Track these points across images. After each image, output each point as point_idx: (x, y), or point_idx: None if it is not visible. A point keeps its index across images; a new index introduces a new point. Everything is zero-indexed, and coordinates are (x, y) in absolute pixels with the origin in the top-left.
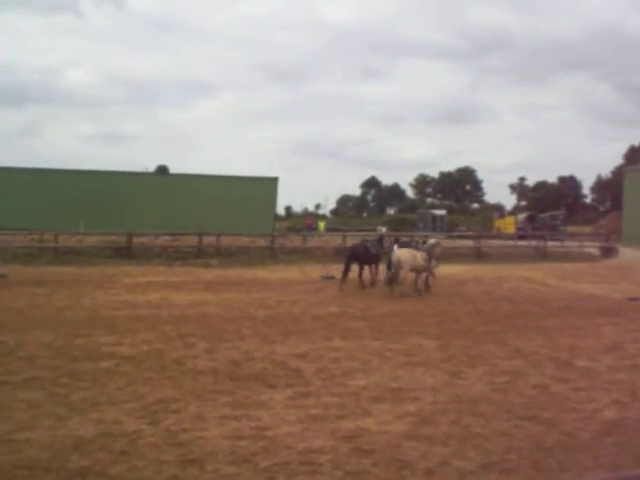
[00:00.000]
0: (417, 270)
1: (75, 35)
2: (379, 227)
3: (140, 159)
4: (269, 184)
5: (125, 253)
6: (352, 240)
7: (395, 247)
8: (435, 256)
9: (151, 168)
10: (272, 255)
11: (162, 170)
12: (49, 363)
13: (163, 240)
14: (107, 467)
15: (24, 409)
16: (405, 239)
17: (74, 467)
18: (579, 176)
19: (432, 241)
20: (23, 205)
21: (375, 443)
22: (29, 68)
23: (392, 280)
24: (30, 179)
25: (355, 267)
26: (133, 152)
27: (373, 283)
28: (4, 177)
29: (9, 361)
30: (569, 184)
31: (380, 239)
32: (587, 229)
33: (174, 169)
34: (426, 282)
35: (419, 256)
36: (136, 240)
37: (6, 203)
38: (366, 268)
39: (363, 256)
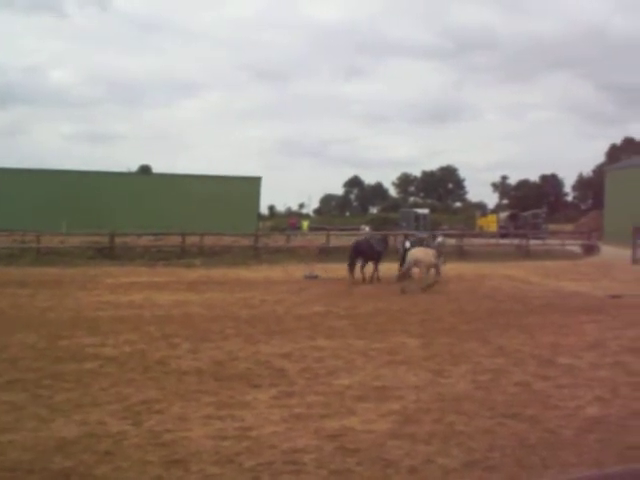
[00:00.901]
0: (428, 267)
1: (59, 35)
2: (362, 226)
3: (125, 159)
4: (252, 183)
5: (108, 254)
6: (336, 239)
7: (407, 244)
8: (443, 253)
9: (134, 168)
10: (256, 255)
11: (145, 170)
12: (32, 365)
13: (146, 240)
14: (91, 468)
15: (7, 411)
16: (418, 237)
17: (57, 468)
18: (562, 175)
19: (440, 239)
20: (5, 205)
21: (359, 442)
22: (14, 67)
23: (404, 276)
24: (12, 179)
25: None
26: (118, 152)
27: (378, 279)
28: None
29: None
30: (551, 182)
31: (385, 237)
32: (569, 227)
33: (159, 169)
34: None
35: (431, 254)
36: (119, 240)
37: None
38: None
39: (367, 252)
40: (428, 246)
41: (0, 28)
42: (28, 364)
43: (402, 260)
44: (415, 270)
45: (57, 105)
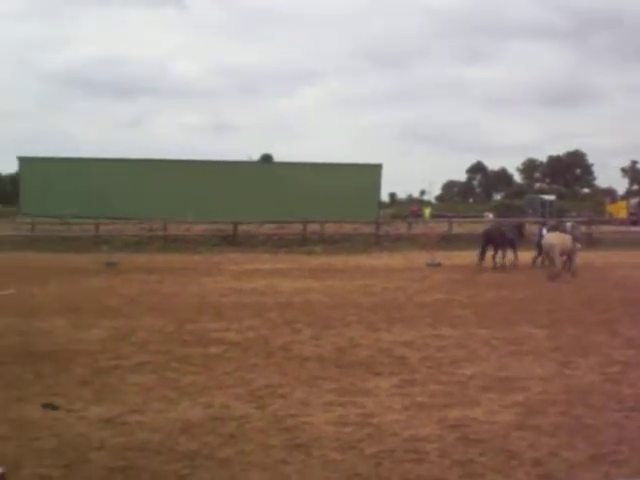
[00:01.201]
0: (564, 253)
1: (180, 27)
2: (486, 213)
3: (247, 148)
4: (373, 171)
5: (231, 241)
6: (458, 227)
7: (544, 231)
8: (579, 239)
9: (256, 157)
10: (376, 242)
11: (266, 159)
12: (160, 348)
13: (268, 228)
14: (215, 450)
15: (136, 392)
16: (553, 223)
17: (183, 450)
18: None
19: (569, 224)
20: (133, 195)
21: (482, 432)
22: (137, 60)
23: (551, 266)
24: (138, 170)
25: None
26: (239, 141)
27: (515, 266)
28: (115, 168)
29: (122, 346)
30: None
31: (520, 225)
32: None
33: (280, 157)
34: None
35: (567, 239)
36: (241, 228)
37: (117, 193)
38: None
39: (498, 240)
40: (564, 232)
41: (124, 22)
42: (156, 347)
43: (539, 248)
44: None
45: (179, 96)
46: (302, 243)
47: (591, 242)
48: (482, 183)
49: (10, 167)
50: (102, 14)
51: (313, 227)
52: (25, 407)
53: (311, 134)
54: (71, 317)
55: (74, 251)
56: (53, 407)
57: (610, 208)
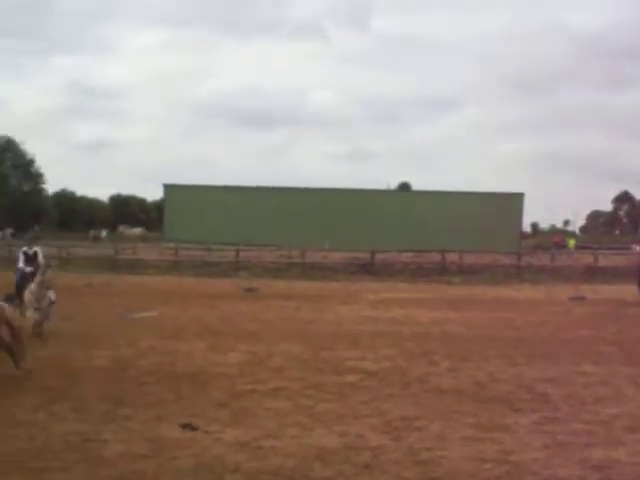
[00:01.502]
0: None
1: (320, 58)
2: (633, 245)
3: (384, 176)
4: (514, 200)
5: (368, 269)
6: (604, 259)
7: None
8: None
9: (393, 185)
10: (518, 273)
11: (404, 187)
12: (296, 374)
13: (405, 257)
14: (350, 479)
15: (271, 417)
16: None
17: (317, 476)
18: None
19: None
20: (273, 222)
21: (626, 474)
22: (278, 91)
23: None
24: (279, 197)
25: None
26: (377, 169)
27: None
28: (254, 196)
29: (258, 371)
30: None
31: None
32: None
33: (418, 186)
34: None
35: None
36: (379, 257)
37: (256, 220)
38: None
39: None
40: None
41: (266, 53)
42: (292, 373)
43: None
44: None
45: (318, 125)
46: (441, 273)
47: None
48: (629, 213)
49: (155, 194)
50: (245, 46)
51: (452, 256)
52: (164, 426)
53: (450, 162)
54: (210, 340)
55: (215, 276)
56: (191, 428)
57: None
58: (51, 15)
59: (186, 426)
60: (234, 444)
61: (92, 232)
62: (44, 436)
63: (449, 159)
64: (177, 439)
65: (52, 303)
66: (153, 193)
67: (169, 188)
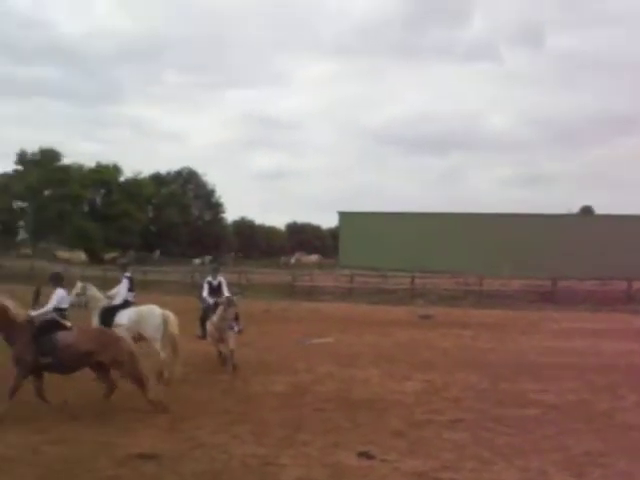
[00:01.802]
0: None
1: (494, 80)
2: None
3: (565, 200)
4: None
5: (549, 298)
6: None
7: None
8: None
9: (575, 209)
10: None
11: (586, 211)
12: (474, 405)
13: (588, 285)
14: None
15: (449, 449)
16: None
17: None
18: None
19: None
20: (449, 248)
21: None
22: (452, 115)
23: None
24: (455, 223)
25: None
26: (556, 193)
27: None
28: (430, 222)
29: (435, 400)
30: None
31: None
32: None
33: (601, 210)
34: None
35: None
36: (561, 284)
37: (432, 247)
38: None
39: None
40: None
41: (440, 77)
42: (470, 404)
43: None
44: None
45: (493, 149)
46: (626, 302)
47: None
48: None
49: (330, 221)
50: (418, 71)
51: (639, 285)
52: (342, 453)
53: (633, 184)
54: (386, 367)
55: (390, 303)
56: (368, 456)
57: None
58: (226, 49)
59: (363, 454)
60: (411, 474)
61: (283, 258)
62: (224, 458)
63: (632, 181)
64: (354, 467)
65: (238, 332)
66: (328, 220)
67: (344, 215)
